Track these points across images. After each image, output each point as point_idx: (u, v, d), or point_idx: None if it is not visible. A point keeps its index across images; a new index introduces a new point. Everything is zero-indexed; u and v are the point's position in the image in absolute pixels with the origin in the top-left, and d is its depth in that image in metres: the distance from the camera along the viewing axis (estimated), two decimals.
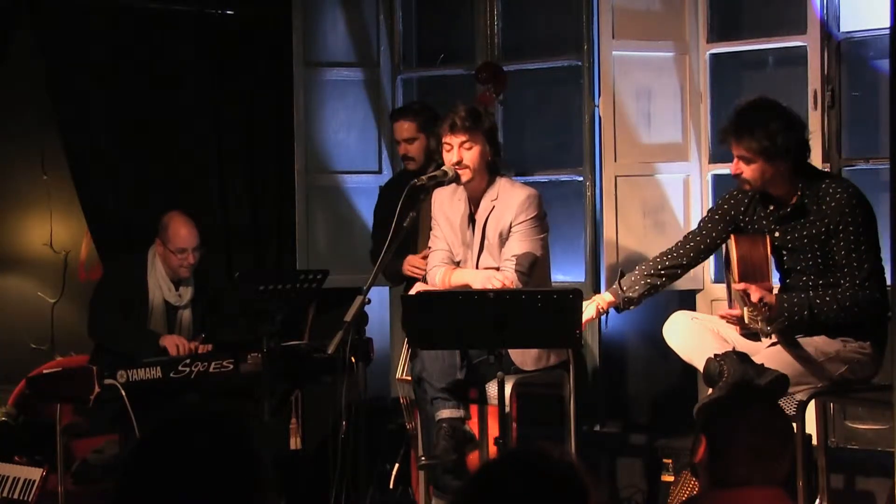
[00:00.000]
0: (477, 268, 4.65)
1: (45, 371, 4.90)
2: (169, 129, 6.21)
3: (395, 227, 4.31)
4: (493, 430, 4.40)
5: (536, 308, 3.94)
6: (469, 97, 5.41)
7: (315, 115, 6.12)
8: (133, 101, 6.08)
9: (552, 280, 4.98)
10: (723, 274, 5.01)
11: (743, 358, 4.07)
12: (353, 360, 4.28)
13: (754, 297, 3.99)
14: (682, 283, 4.93)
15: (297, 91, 6.05)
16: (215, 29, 6.27)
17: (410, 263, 5.14)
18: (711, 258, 4.98)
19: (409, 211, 4.38)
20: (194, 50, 6.25)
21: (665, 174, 5.54)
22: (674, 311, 4.48)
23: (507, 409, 4.16)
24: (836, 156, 5.25)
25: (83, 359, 5.23)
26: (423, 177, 4.58)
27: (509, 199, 4.61)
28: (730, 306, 4.39)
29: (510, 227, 4.59)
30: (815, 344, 4.17)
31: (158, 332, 5.17)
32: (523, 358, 4.55)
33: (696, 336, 4.30)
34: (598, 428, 5.82)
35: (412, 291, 4.65)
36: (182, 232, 5.21)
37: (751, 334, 4.23)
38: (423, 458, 4.50)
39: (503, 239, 4.61)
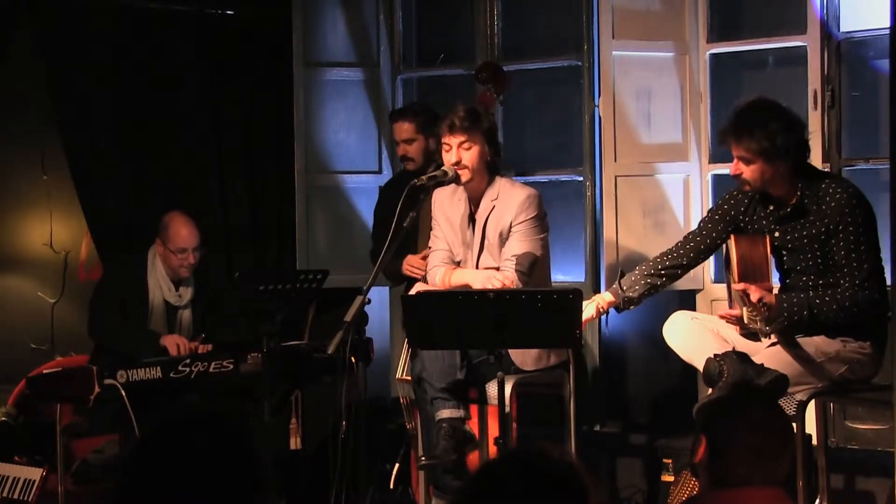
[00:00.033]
0: (477, 268, 4.65)
1: (45, 371, 4.90)
2: (169, 129, 6.21)
3: (395, 227, 4.31)
4: (493, 430, 4.39)
5: (536, 308, 3.94)
6: (469, 97, 5.42)
7: (315, 115, 6.12)
8: (133, 101, 6.08)
9: (552, 280, 4.98)
10: (723, 274, 5.01)
11: (743, 358, 4.07)
12: (353, 360, 4.28)
13: (753, 297, 3.99)
14: (682, 283, 4.93)
15: (297, 91, 6.06)
16: (215, 29, 6.27)
17: (410, 263, 5.13)
18: (711, 258, 4.98)
19: (409, 211, 4.38)
20: (194, 50, 6.25)
21: (665, 174, 5.54)
22: (674, 311, 4.48)
23: (507, 409, 4.16)
24: (836, 156, 5.25)
25: (83, 359, 5.23)
26: (424, 177, 4.58)
27: (509, 199, 4.61)
28: (730, 306, 4.39)
29: (510, 226, 4.59)
30: (814, 344, 4.17)
31: (158, 332, 5.17)
32: (523, 358, 4.55)
33: (696, 336, 4.30)
34: (598, 428, 5.82)
35: (412, 291, 4.65)
36: (182, 232, 5.21)
37: (750, 334, 4.23)
38: (423, 458, 4.50)
39: (503, 239, 4.61)
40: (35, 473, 5.03)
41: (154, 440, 2.06)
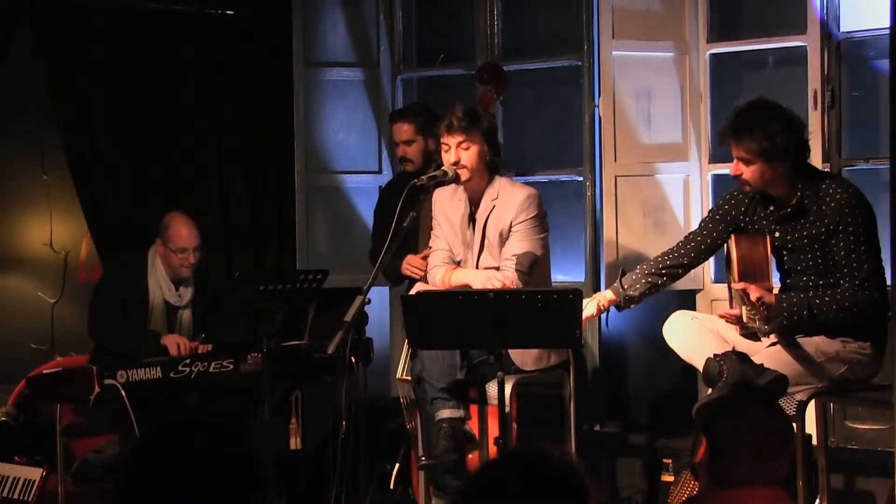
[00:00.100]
0: (477, 267, 4.65)
1: (45, 371, 4.90)
2: (169, 129, 6.21)
3: (395, 227, 4.31)
4: (493, 430, 4.39)
5: (536, 308, 3.94)
6: (469, 97, 5.42)
7: (315, 115, 6.12)
8: (133, 101, 6.08)
9: (552, 280, 4.98)
10: (723, 274, 5.02)
11: (743, 358, 4.07)
12: (353, 360, 4.28)
13: (753, 297, 3.99)
14: (682, 283, 4.93)
15: (297, 91, 6.06)
16: (215, 29, 6.27)
17: (410, 263, 5.13)
18: (711, 258, 4.98)
19: (409, 211, 4.38)
20: (194, 50, 6.25)
21: (665, 174, 5.54)
22: (674, 311, 4.48)
23: (507, 409, 4.16)
24: (836, 156, 5.25)
25: (83, 359, 5.23)
26: (424, 177, 4.58)
27: (509, 199, 4.61)
28: (731, 306, 4.39)
29: (510, 226, 4.59)
30: (814, 344, 4.17)
31: (159, 332, 5.17)
32: (523, 358, 4.55)
33: (696, 336, 4.30)
34: (598, 428, 5.82)
35: (412, 291, 4.65)
36: (183, 232, 5.22)
37: (750, 334, 4.23)
38: (423, 458, 4.50)
39: (503, 238, 4.61)
40: (35, 473, 5.03)
41: (154, 440, 2.06)
